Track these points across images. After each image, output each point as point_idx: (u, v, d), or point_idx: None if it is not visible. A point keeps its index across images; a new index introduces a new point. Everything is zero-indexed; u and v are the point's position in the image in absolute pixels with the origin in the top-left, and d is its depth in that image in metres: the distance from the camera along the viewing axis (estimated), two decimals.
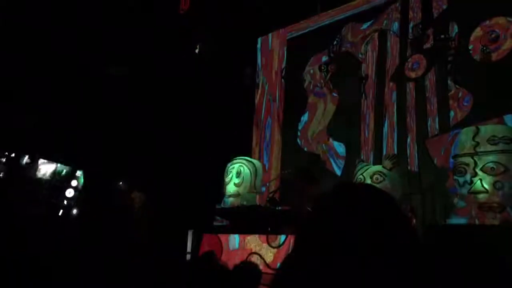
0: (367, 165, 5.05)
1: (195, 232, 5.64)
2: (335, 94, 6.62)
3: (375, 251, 0.94)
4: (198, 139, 7.14)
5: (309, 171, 5.33)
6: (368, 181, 4.67)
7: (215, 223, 5.31)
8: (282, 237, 4.39)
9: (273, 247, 4.36)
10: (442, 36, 5.52)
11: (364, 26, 6.44)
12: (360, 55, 6.42)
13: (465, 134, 3.98)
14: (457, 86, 5.32)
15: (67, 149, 7.12)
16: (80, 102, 6.92)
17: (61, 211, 7.23)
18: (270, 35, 7.67)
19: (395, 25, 6.12)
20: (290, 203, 4.99)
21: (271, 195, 5.42)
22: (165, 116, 7.29)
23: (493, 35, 5.07)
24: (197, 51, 7.63)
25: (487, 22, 5.14)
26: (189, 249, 6.41)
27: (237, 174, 5.31)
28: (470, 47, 5.25)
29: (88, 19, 6.76)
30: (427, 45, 5.71)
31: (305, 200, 4.51)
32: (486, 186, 3.68)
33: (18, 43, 6.52)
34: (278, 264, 3.85)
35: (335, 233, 0.97)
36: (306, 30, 7.13)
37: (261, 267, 4.21)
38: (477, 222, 3.71)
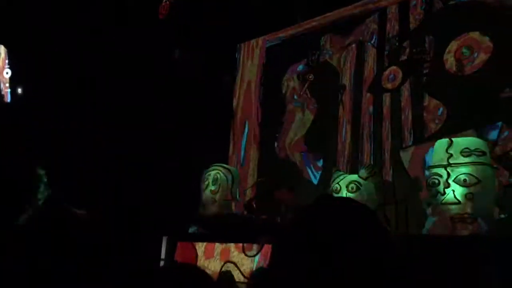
0: (343, 174, 5.08)
1: (169, 238, 5.57)
2: (313, 103, 6.67)
3: (354, 263, 0.95)
4: (174, 143, 7.09)
5: (285, 181, 5.34)
6: (344, 190, 4.70)
7: (190, 230, 5.26)
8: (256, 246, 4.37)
9: (249, 256, 4.34)
10: (418, 49, 5.63)
11: (343, 36, 6.52)
12: (338, 65, 6.49)
13: (439, 146, 4.05)
14: (431, 98, 5.43)
15: None
16: None
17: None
18: (249, 42, 7.68)
19: (373, 37, 6.21)
20: (265, 211, 4.98)
21: (247, 202, 5.40)
22: (142, 117, 7.21)
23: (467, 49, 5.19)
24: (175, 56, 7.59)
25: (462, 36, 5.26)
26: (163, 255, 6.33)
27: (214, 181, 5.28)
28: (444, 60, 5.37)
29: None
30: (403, 57, 5.81)
31: (282, 208, 4.51)
32: (458, 197, 3.74)
33: None
34: (253, 273, 3.84)
35: (314, 245, 0.97)
36: (286, 39, 7.17)
37: (236, 276, 4.19)
38: (449, 232, 3.77)
